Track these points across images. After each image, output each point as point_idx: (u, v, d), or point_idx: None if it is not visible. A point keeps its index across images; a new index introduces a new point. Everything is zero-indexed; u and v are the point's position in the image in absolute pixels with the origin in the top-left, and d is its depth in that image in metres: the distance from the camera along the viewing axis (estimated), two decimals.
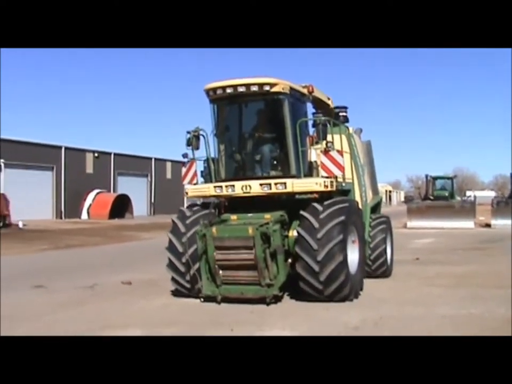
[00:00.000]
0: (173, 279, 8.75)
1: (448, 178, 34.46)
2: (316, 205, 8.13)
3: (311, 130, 9.14)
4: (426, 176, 32.72)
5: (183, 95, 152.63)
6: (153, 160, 49.84)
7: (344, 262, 7.87)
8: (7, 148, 33.82)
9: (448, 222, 25.28)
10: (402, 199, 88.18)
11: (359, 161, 10.51)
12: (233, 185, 8.61)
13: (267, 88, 8.29)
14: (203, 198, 9.72)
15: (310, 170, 8.82)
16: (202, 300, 8.31)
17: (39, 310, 8.10)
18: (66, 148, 39.87)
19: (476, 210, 27.17)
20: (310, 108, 9.73)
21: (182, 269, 8.50)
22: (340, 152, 8.59)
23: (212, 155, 9.05)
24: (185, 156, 9.12)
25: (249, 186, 8.48)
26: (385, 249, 10.32)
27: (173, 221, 8.89)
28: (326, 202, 8.15)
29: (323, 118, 8.69)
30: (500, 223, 24.79)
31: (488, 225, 26.05)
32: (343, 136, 9.36)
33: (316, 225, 7.83)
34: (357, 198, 9.92)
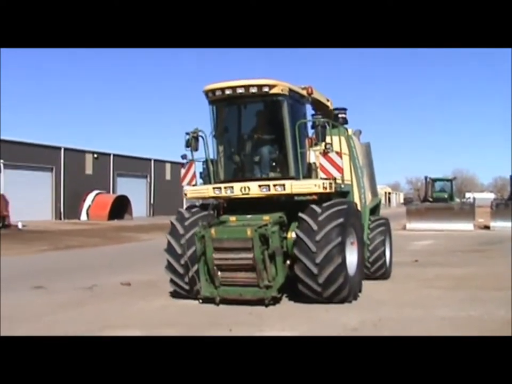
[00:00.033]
0: (171, 280, 8.74)
1: (447, 180, 34.54)
2: (314, 207, 8.12)
3: (310, 132, 9.14)
4: (426, 178, 32.79)
5: (183, 96, 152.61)
6: (152, 161, 49.80)
7: (343, 264, 7.85)
8: (6, 149, 33.75)
9: (448, 224, 25.23)
10: (402, 201, 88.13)
11: (358, 163, 10.50)
12: (232, 187, 8.60)
13: (266, 89, 8.29)
14: (202, 199, 9.73)
15: (309, 172, 8.83)
16: (201, 301, 8.30)
17: (39, 311, 8.09)
18: (65, 149, 39.81)
19: (475, 212, 27.13)
20: (309, 110, 9.75)
21: (181, 270, 8.49)
22: (339, 154, 8.59)
23: (211, 156, 9.04)
24: (184, 157, 9.12)
25: (248, 187, 8.48)
26: (384, 251, 10.30)
27: (172, 223, 8.88)
28: (324, 204, 8.14)
29: (322, 120, 8.67)
30: (499, 225, 24.76)
31: (487, 227, 26.03)
32: (342, 138, 9.36)
33: (315, 227, 7.82)
34: (356, 199, 9.91)
